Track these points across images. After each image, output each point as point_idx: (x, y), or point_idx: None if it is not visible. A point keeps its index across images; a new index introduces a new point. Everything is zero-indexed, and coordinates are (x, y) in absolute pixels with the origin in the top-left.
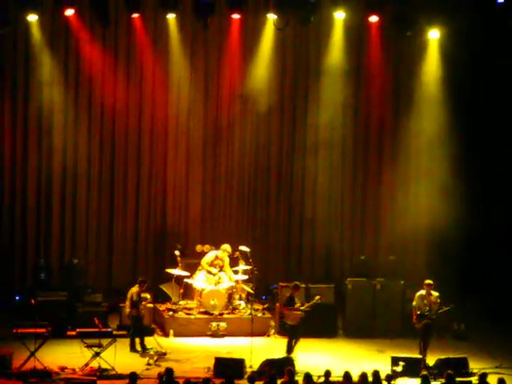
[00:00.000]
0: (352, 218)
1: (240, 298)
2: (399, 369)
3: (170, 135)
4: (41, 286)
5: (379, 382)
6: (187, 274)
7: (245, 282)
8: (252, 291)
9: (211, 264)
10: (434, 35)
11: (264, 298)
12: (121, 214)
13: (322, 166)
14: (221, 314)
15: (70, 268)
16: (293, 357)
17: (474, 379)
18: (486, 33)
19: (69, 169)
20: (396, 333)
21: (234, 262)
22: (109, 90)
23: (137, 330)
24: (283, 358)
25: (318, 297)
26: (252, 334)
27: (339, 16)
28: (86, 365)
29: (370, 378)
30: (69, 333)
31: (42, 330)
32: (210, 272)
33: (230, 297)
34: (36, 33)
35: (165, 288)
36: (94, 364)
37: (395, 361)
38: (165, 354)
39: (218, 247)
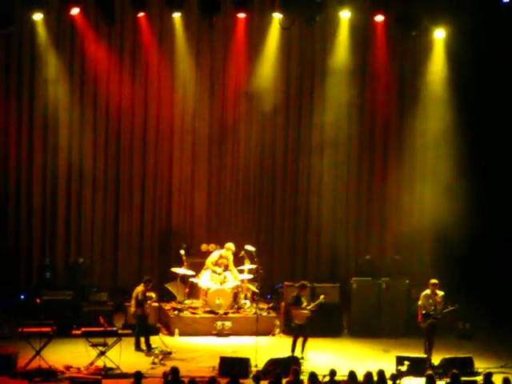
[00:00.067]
0: (357, 217)
1: (245, 298)
2: (404, 368)
3: (175, 134)
4: (46, 285)
5: (384, 381)
6: (192, 273)
7: (250, 281)
8: (257, 290)
9: (216, 263)
10: (439, 35)
11: (269, 297)
12: (126, 213)
13: (327, 165)
14: (226, 314)
15: (75, 267)
16: (304, 356)
17: (479, 379)
18: (491, 32)
19: (74, 168)
20: (401, 332)
21: (239, 262)
22: (114, 89)
23: (142, 329)
24: (288, 357)
25: (322, 296)
26: (257, 334)
27: (345, 15)
28: (91, 364)
29: (375, 378)
30: (74, 332)
31: (47, 329)
32: (215, 271)
33: (236, 296)
34: (41, 32)
35: (170, 287)
36: (99, 363)
37: (400, 360)
38: (170, 353)
39: (223, 246)
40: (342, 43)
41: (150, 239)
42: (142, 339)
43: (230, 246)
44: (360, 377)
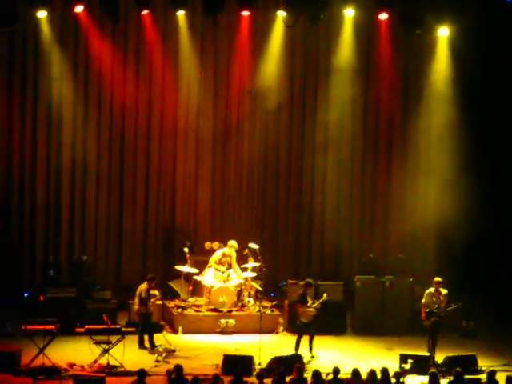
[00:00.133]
0: (361, 215)
1: (249, 295)
2: (408, 366)
3: (179, 132)
4: (50, 283)
5: (388, 379)
6: (196, 270)
7: (253, 279)
8: (261, 288)
9: (219, 262)
10: (443, 33)
11: (272, 295)
12: (130, 210)
13: (331, 163)
14: (229, 311)
15: (79, 265)
16: (314, 355)
17: (483, 377)
18: (495, 31)
19: (78, 165)
20: (404, 330)
21: (243, 259)
22: (118, 87)
23: (145, 326)
24: (292, 355)
25: (325, 294)
26: (261, 331)
27: (349, 13)
28: (95, 361)
29: (379, 376)
30: (77, 329)
31: (51, 327)
32: (218, 270)
33: (239, 294)
34: (45, 29)
35: (174, 285)
36: (103, 361)
37: (404, 358)
38: (173, 350)
39: (226, 244)
40: (346, 41)
41: (154, 237)
42: (146, 337)
43: (233, 243)
44: (364, 375)
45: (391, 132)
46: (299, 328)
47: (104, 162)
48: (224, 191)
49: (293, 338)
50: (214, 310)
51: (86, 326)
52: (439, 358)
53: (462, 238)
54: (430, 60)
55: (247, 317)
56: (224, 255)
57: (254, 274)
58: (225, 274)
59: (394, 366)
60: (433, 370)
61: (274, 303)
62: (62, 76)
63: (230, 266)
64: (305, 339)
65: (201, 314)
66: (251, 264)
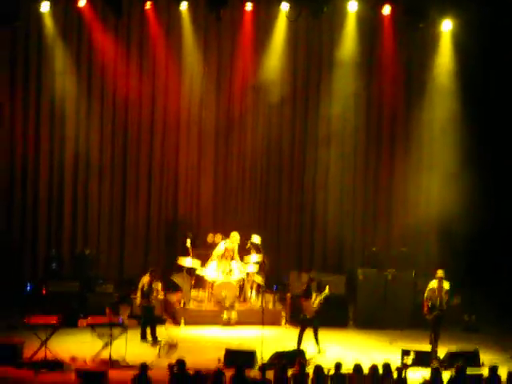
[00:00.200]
0: (364, 208)
1: (251, 289)
2: (410, 360)
3: (181, 125)
4: (52, 276)
5: (390, 374)
6: (198, 264)
7: (256, 273)
8: (263, 283)
9: (222, 256)
10: (446, 27)
11: (275, 288)
12: (133, 204)
13: (334, 157)
14: (232, 305)
15: (81, 258)
16: (320, 349)
17: (485, 371)
18: (497, 26)
19: (81, 158)
20: (407, 324)
21: (245, 252)
22: (121, 81)
23: (147, 320)
24: (293, 350)
25: (327, 287)
26: (263, 325)
27: (352, 7)
28: (97, 355)
29: (381, 370)
30: (80, 323)
31: (53, 320)
32: (221, 264)
33: (241, 288)
34: (48, 23)
35: (176, 279)
36: (105, 354)
37: (406, 352)
38: (176, 344)
39: (228, 236)
40: (349, 35)
41: (157, 230)
42: (148, 330)
43: (235, 235)
44: (365, 369)
45: (394, 126)
46: (303, 322)
47: (107, 156)
48: (226, 184)
49: (295, 332)
50: (217, 304)
51: (89, 319)
52: (441, 351)
53: (464, 232)
54: (433, 54)
55: (249, 311)
56: (226, 250)
57: (256, 269)
58: (227, 267)
59: (396, 360)
60: (435, 364)
61: (276, 296)
62: (65, 70)
63: (232, 259)
64: (309, 334)
65: (203, 308)
66: (254, 256)
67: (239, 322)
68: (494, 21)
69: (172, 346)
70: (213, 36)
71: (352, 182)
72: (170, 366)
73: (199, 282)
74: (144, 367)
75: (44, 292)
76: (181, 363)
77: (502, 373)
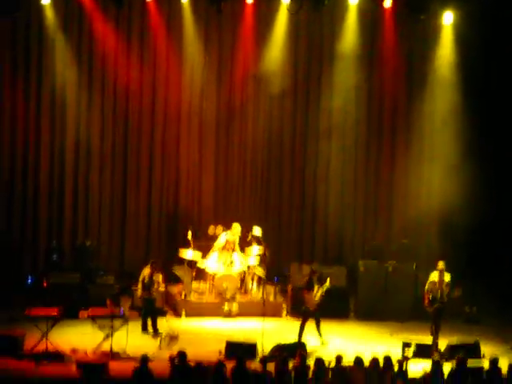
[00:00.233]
0: (365, 201)
1: (252, 281)
2: (410, 352)
3: (182, 116)
4: (53, 268)
5: (391, 367)
6: (199, 255)
7: (257, 265)
8: (263, 276)
9: (223, 248)
10: (447, 19)
11: (276, 279)
12: (133, 195)
13: (335, 149)
14: (233, 297)
15: (82, 249)
16: (323, 341)
17: (486, 363)
18: (498, 18)
19: (81, 150)
20: (408, 315)
21: (246, 244)
22: (122, 72)
23: (148, 312)
24: (294, 343)
25: (328, 279)
26: (264, 316)
27: (353, 0)
28: (98, 347)
29: (382, 363)
30: (81, 314)
31: (54, 312)
32: (222, 256)
33: (242, 280)
34: (49, 14)
35: (177, 271)
36: (106, 346)
37: (406, 344)
38: (176, 336)
39: (229, 228)
40: (350, 27)
41: (158, 222)
42: (149, 322)
43: (237, 226)
44: (366, 362)
45: (395, 118)
46: (305, 314)
47: (107, 147)
48: (227, 175)
49: (296, 323)
50: (218, 296)
51: (90, 311)
52: (442, 343)
53: (466, 224)
54: (434, 45)
55: (250, 303)
56: (228, 242)
57: (257, 261)
58: (228, 259)
59: (396, 352)
60: (436, 356)
61: (277, 288)
62: (66, 61)
63: (233, 251)
64: (310, 326)
65: (204, 300)
66: (255, 248)
67: (240, 314)
68: (495, 12)
69: (173, 338)
70: (214, 27)
71: (353, 174)
72: (171, 358)
73: (200, 274)
74: (145, 359)
75: (45, 284)
76: (182, 355)
77: (503, 364)
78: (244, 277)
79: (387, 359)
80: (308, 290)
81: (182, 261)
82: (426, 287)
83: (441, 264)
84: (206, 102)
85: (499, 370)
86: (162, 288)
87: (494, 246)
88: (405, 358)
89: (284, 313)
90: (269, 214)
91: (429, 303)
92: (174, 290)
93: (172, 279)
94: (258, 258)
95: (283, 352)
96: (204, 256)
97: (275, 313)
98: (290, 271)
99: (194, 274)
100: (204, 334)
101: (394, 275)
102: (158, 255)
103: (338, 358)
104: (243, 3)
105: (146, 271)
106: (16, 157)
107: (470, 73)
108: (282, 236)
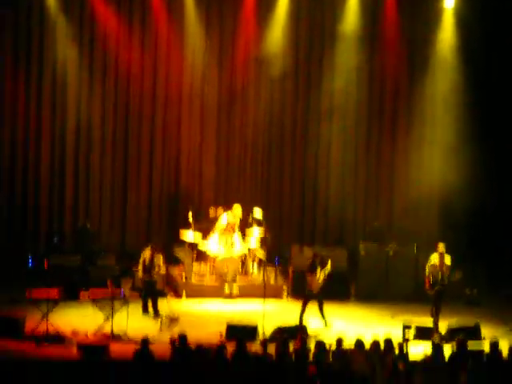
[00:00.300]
0: (366, 182)
1: (253, 263)
2: (411, 335)
3: (184, 99)
4: (54, 250)
5: (391, 349)
6: (200, 235)
7: (257, 247)
8: (264, 258)
9: (225, 230)
10: (449, 2)
11: (276, 260)
12: (135, 176)
13: (336, 131)
14: (234, 279)
15: (83, 232)
16: (327, 322)
17: (486, 345)
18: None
19: (83, 131)
20: (408, 297)
21: (247, 226)
22: (123, 55)
23: (149, 294)
24: (295, 326)
25: (329, 261)
26: (265, 298)
27: None
28: (99, 328)
29: (382, 346)
30: (81, 296)
31: (55, 294)
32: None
33: (243, 262)
34: None
35: (178, 252)
36: (107, 328)
37: (407, 327)
38: (177, 318)
39: (230, 208)
40: (352, 9)
41: (158, 203)
42: (150, 303)
43: (238, 207)
44: (367, 345)
45: (396, 100)
46: (308, 297)
47: (109, 129)
48: (229, 158)
49: (297, 305)
50: (218, 278)
51: (90, 292)
52: (442, 325)
53: (466, 206)
54: (435, 28)
55: (251, 285)
56: (228, 224)
57: (258, 243)
58: (229, 241)
59: (397, 334)
60: (436, 338)
61: (278, 269)
62: (67, 42)
63: (234, 232)
64: (313, 308)
65: (204, 282)
66: (255, 230)
67: (241, 296)
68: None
69: (173, 320)
70: (215, 10)
71: (354, 156)
72: (172, 340)
73: (201, 256)
74: (145, 341)
75: (46, 266)
76: (182, 337)
77: (503, 346)
78: (245, 259)
79: (388, 342)
80: (311, 272)
81: (182, 242)
82: (427, 270)
83: (441, 246)
84: (207, 86)
85: (500, 352)
86: (162, 271)
87: (494, 229)
88: (405, 341)
89: (285, 295)
90: (270, 197)
91: (430, 286)
92: (175, 271)
93: (173, 261)
94: (259, 239)
95: (284, 334)
96: (204, 237)
97: (276, 295)
98: (290, 253)
99: (194, 255)
100: (205, 317)
101: (394, 258)
102: (159, 236)
103: (339, 341)
104: None
105: (147, 253)
106: (17, 140)
107: (471, 56)
108: (283, 218)
